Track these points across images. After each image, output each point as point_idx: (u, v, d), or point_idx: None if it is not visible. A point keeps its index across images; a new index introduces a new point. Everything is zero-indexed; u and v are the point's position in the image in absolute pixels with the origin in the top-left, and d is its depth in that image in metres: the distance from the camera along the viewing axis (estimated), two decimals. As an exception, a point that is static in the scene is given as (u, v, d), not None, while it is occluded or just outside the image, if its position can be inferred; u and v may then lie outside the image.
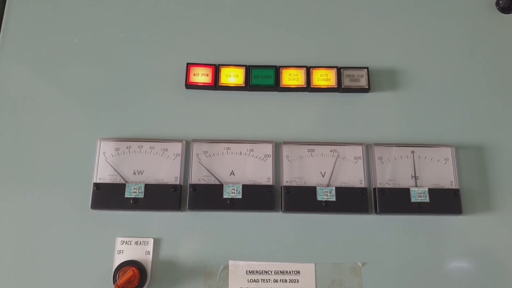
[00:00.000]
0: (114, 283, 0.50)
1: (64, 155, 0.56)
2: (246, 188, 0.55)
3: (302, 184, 0.56)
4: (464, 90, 0.62)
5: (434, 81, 0.62)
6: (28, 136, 0.57)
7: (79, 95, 0.59)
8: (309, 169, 0.57)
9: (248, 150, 0.57)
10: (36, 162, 0.56)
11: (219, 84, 0.59)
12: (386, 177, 0.57)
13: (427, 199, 0.56)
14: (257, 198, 0.55)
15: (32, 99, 0.59)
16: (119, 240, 0.53)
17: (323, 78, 0.60)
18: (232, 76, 0.59)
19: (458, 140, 0.59)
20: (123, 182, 0.54)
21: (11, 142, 0.57)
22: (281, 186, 0.56)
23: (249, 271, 0.53)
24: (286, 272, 0.54)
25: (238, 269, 0.53)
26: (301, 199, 0.55)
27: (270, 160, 0.57)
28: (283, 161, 0.57)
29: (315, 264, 0.54)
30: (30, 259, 0.53)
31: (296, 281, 0.53)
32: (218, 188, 0.55)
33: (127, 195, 0.53)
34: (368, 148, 0.58)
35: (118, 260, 0.52)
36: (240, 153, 0.57)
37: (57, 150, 0.57)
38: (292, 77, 0.60)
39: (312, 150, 0.58)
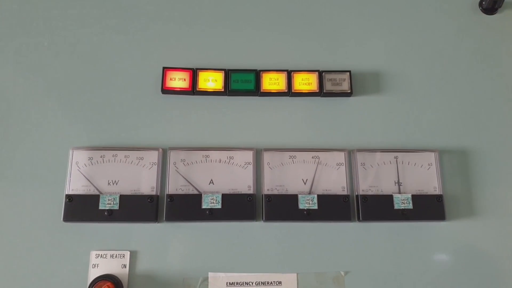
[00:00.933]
0: (88, 300, 0.48)
1: (36, 164, 0.54)
2: (226, 197, 0.54)
3: (283, 192, 0.55)
4: (448, 93, 0.61)
5: (417, 85, 0.61)
6: (-3, 146, 0.55)
7: (50, 101, 0.57)
8: (290, 176, 0.56)
9: (228, 157, 0.55)
10: (7, 172, 0.54)
11: (197, 89, 0.57)
12: (369, 184, 0.56)
13: (410, 206, 0.55)
14: (237, 207, 0.54)
15: (2, 108, 0.56)
16: (93, 253, 0.51)
17: (305, 82, 0.59)
18: (211, 81, 0.57)
19: (442, 145, 0.59)
20: (97, 193, 0.52)
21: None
22: (262, 195, 0.54)
23: (230, 283, 0.52)
24: (268, 283, 0.53)
25: (218, 281, 0.52)
26: (283, 208, 0.54)
27: (250, 168, 0.55)
28: (264, 169, 0.55)
29: (297, 274, 0.53)
30: (1, 276, 0.50)
31: (277, 292, 0.52)
32: (196, 198, 0.53)
33: (101, 206, 0.51)
34: (350, 154, 0.57)
35: (93, 274, 0.50)
36: (220, 161, 0.55)
37: (28, 159, 0.54)
38: (272, 82, 0.58)
39: (293, 157, 0.56)
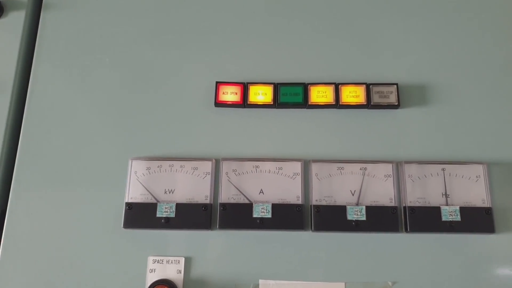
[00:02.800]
0: (147, 303, 0.50)
1: (98, 174, 0.57)
2: (275, 207, 0.55)
3: (331, 203, 0.56)
4: (495, 105, 0.61)
5: (465, 97, 0.61)
6: (62, 156, 0.58)
7: (111, 115, 0.60)
8: (338, 187, 0.56)
9: (277, 168, 0.57)
10: (70, 182, 0.57)
11: (248, 102, 0.59)
12: (416, 195, 0.56)
13: (458, 218, 0.55)
14: (286, 217, 0.55)
15: (65, 120, 0.60)
16: (151, 259, 0.53)
17: (352, 95, 0.59)
18: (261, 94, 0.59)
19: (490, 157, 0.58)
20: (155, 201, 0.55)
21: (45, 162, 0.58)
22: (311, 205, 0.56)
23: (280, 291, 0.53)
24: (317, 292, 0.54)
25: (268, 288, 0.53)
26: (331, 218, 0.55)
27: (299, 178, 0.57)
28: (312, 180, 0.56)
29: (345, 283, 0.54)
30: (64, 279, 0.53)
31: (327, 301, 0.53)
32: (247, 207, 0.55)
33: (158, 214, 0.54)
34: (398, 166, 0.58)
35: (150, 279, 0.52)
36: (269, 171, 0.57)
37: (91, 169, 0.57)
38: (320, 94, 0.59)
39: (341, 168, 0.57)
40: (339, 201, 0.56)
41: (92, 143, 0.58)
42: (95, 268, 0.54)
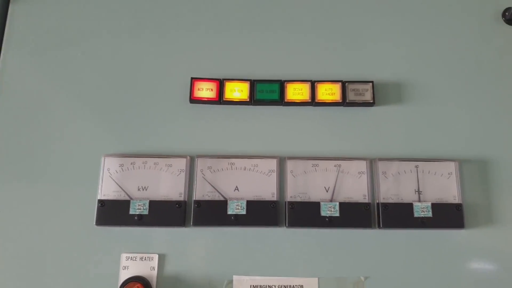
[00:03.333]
0: (119, 300, 0.50)
1: (69, 171, 0.56)
2: (250, 204, 0.55)
3: (306, 199, 0.56)
4: (469, 104, 0.62)
5: (439, 94, 0.62)
6: (33, 152, 0.57)
7: (84, 111, 0.59)
8: (313, 184, 0.57)
9: (253, 165, 0.57)
10: (42, 178, 0.56)
11: (224, 99, 0.59)
12: (389, 192, 0.57)
13: (430, 214, 0.56)
14: (261, 213, 0.55)
15: (36, 115, 0.58)
16: (124, 256, 0.53)
17: (328, 92, 0.60)
18: (237, 91, 0.59)
19: (462, 154, 0.59)
20: (128, 198, 0.54)
21: (16, 158, 0.57)
22: (285, 202, 0.56)
23: (253, 285, 0.54)
24: (290, 286, 0.54)
25: (242, 284, 0.54)
26: (305, 215, 0.56)
27: (274, 175, 0.57)
28: (288, 176, 0.57)
29: (318, 278, 0.54)
30: (35, 275, 0.53)
31: (300, 296, 0.54)
32: (222, 204, 0.55)
33: (131, 211, 0.54)
34: (372, 163, 0.58)
35: (123, 276, 0.52)
36: (245, 169, 0.57)
37: (63, 166, 0.56)
38: (297, 92, 0.59)
39: (316, 165, 0.58)
40: (313, 198, 0.56)
41: (64, 139, 0.57)
42: (67, 266, 0.53)
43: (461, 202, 0.57)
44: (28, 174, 0.56)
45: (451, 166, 0.59)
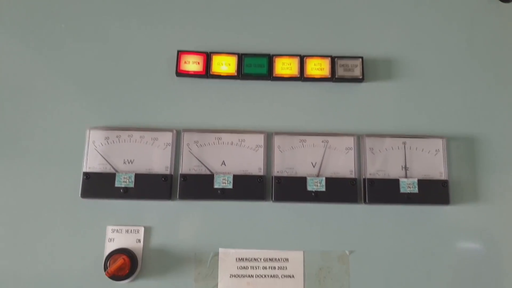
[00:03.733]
0: (105, 270, 0.51)
1: (55, 144, 0.56)
2: (237, 178, 0.55)
3: (292, 174, 0.56)
4: (459, 81, 0.62)
5: (429, 72, 0.62)
6: (18, 126, 0.56)
7: (69, 84, 0.58)
8: (300, 159, 0.57)
9: (240, 140, 0.57)
10: (26, 151, 0.56)
11: (211, 73, 0.58)
12: (376, 168, 0.58)
13: (416, 190, 0.57)
14: (248, 188, 0.55)
15: (21, 89, 0.57)
16: (109, 228, 0.53)
17: (317, 67, 0.59)
18: (224, 65, 0.58)
19: (450, 132, 0.60)
20: (113, 171, 0.54)
21: (1, 133, 0.56)
22: (272, 176, 0.56)
23: (239, 258, 0.55)
24: (275, 259, 0.55)
25: (228, 256, 0.54)
26: (291, 189, 0.56)
27: (261, 151, 0.57)
28: (275, 152, 0.57)
29: (303, 252, 0.55)
30: (21, 247, 0.53)
31: (285, 268, 0.55)
32: (209, 178, 0.55)
33: (117, 184, 0.53)
34: (359, 139, 0.58)
35: (109, 248, 0.52)
36: (232, 143, 0.57)
37: (48, 139, 0.56)
38: (285, 66, 0.59)
39: (303, 141, 0.58)
40: (300, 173, 0.57)
41: (49, 113, 0.57)
42: (53, 238, 0.53)
43: (447, 179, 0.57)
44: (13, 148, 0.56)
45: (439, 143, 0.59)
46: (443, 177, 0.58)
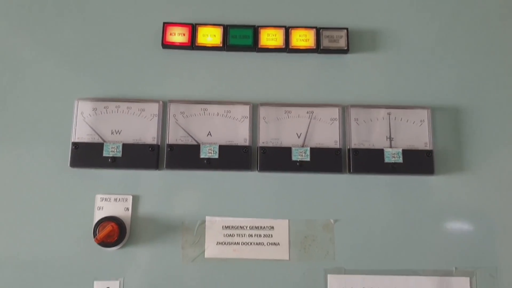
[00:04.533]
0: (94, 237, 0.52)
1: (43, 115, 0.57)
2: (222, 148, 0.56)
3: (278, 144, 0.57)
4: (443, 52, 0.62)
5: (414, 43, 0.62)
6: (7, 97, 0.57)
7: (57, 56, 0.58)
8: (285, 130, 0.58)
9: (225, 111, 0.58)
10: (15, 122, 0.57)
11: (196, 44, 0.58)
12: (361, 138, 0.58)
13: (400, 160, 0.58)
14: (233, 158, 0.56)
15: (9, 61, 0.58)
16: (98, 197, 0.55)
17: (302, 38, 0.59)
18: (210, 36, 0.58)
19: (435, 102, 0.60)
20: (101, 141, 0.55)
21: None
22: (258, 147, 0.57)
23: (225, 226, 0.56)
24: (261, 227, 0.56)
25: (214, 224, 0.56)
26: (277, 159, 0.57)
27: (247, 121, 0.58)
28: (260, 123, 0.58)
29: (288, 220, 0.56)
30: (11, 216, 0.54)
31: (270, 236, 0.56)
32: (195, 148, 0.56)
33: (105, 154, 0.55)
34: (344, 110, 0.59)
35: (98, 216, 0.54)
36: (217, 114, 0.58)
37: (36, 110, 0.57)
38: (270, 37, 0.59)
39: (289, 112, 0.58)
40: (285, 143, 0.57)
41: (38, 84, 0.58)
42: (43, 207, 0.55)
43: (432, 149, 0.58)
44: (2, 121, 0.56)
45: (424, 114, 0.59)
46: (428, 147, 0.58)
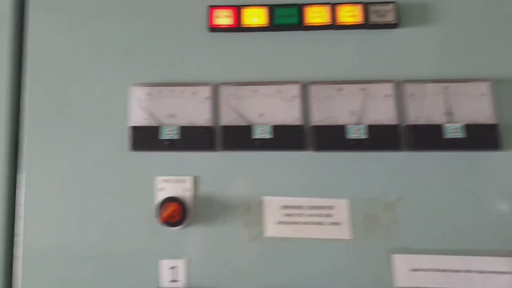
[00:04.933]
0: (157, 217, 0.52)
1: (101, 102, 0.58)
2: (275, 128, 0.56)
3: (331, 123, 0.56)
4: (501, 20, 0.59)
5: (467, 13, 0.59)
6: (66, 88, 0.59)
7: (108, 44, 0.60)
8: (338, 108, 0.56)
9: (276, 91, 0.57)
10: (75, 111, 0.58)
11: (242, 25, 0.59)
12: (417, 114, 0.56)
13: (461, 135, 0.54)
14: (287, 138, 0.56)
15: (65, 53, 0.60)
16: (159, 178, 0.55)
17: (349, 14, 0.59)
18: (255, 17, 0.59)
19: (496, 74, 0.57)
20: (158, 125, 0.56)
21: (50, 94, 0.59)
22: (311, 126, 0.56)
23: (284, 206, 0.55)
24: (320, 207, 0.54)
25: (273, 204, 0.55)
26: (331, 138, 0.55)
27: (298, 101, 0.57)
28: (312, 101, 0.57)
29: (348, 199, 0.54)
30: (75, 201, 0.56)
31: (330, 215, 0.54)
32: (247, 130, 0.56)
33: (162, 137, 0.55)
34: (398, 86, 0.57)
35: (159, 197, 0.54)
36: (268, 95, 0.57)
37: (94, 98, 0.58)
38: (316, 15, 0.59)
39: (340, 89, 0.57)
40: (339, 121, 0.56)
41: (94, 74, 0.59)
42: (106, 190, 0.56)
43: (496, 123, 0.54)
44: (64, 111, 0.59)
45: (484, 86, 0.56)
46: (492, 121, 0.55)
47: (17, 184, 0.57)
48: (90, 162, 0.57)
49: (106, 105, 0.58)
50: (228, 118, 0.57)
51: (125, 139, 0.56)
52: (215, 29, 0.59)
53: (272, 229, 0.54)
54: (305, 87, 0.57)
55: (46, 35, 0.61)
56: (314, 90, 0.57)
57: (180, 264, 0.53)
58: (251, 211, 0.54)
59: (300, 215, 0.54)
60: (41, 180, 0.56)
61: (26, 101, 0.59)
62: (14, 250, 0.56)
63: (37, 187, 0.56)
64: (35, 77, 0.60)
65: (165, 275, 0.53)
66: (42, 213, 0.56)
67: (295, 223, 0.54)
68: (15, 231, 0.56)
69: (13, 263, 0.56)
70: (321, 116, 0.56)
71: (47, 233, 0.55)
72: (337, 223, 0.54)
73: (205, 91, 0.57)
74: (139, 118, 0.56)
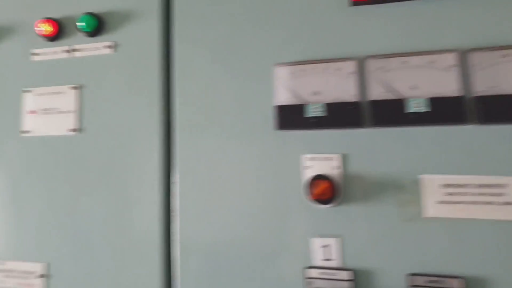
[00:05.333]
0: (307, 195, 0.52)
1: (245, 85, 0.59)
2: (432, 101, 0.51)
3: (499, 92, 0.49)
4: None
5: None
6: (211, 76, 0.61)
7: (249, 26, 0.60)
8: (506, 76, 0.50)
9: (428, 62, 0.53)
10: (220, 98, 0.60)
11: (386, -4, 0.55)
12: None
13: None
14: (445, 110, 0.51)
15: (209, 39, 0.62)
16: (305, 157, 0.55)
17: (517, -32, 0.51)
18: (402, -15, 0.54)
19: None
20: (302, 103, 0.56)
21: (197, 82, 0.62)
22: (473, 97, 0.50)
23: (445, 184, 0.50)
24: (489, 185, 0.48)
25: (432, 182, 0.50)
26: (501, 109, 0.49)
27: (455, 70, 0.51)
28: (473, 70, 0.51)
29: (523, 178, 0.47)
30: (226, 183, 0.57)
31: (502, 194, 0.48)
32: (399, 103, 0.52)
33: (308, 114, 0.55)
34: None
35: (307, 175, 0.53)
36: (419, 66, 0.53)
37: (238, 82, 0.59)
38: (476, -25, 0.52)
39: (507, 55, 0.50)
40: (507, 91, 0.49)
41: (235, 56, 0.60)
42: (253, 170, 0.57)
43: None
44: (209, 98, 0.61)
45: None
46: None
47: (170, 179, 0.61)
48: (238, 145, 0.58)
49: (250, 87, 0.59)
50: (376, 93, 0.54)
51: (271, 119, 0.57)
52: (357, 2, 0.57)
53: (432, 209, 0.49)
54: (463, 55, 0.52)
55: (191, 26, 0.63)
56: (475, 58, 0.51)
57: (333, 243, 0.52)
58: (407, 189, 0.51)
59: (465, 193, 0.49)
60: (193, 168, 0.58)
61: (176, 95, 0.62)
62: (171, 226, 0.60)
63: (189, 175, 0.58)
64: (183, 69, 0.62)
65: (318, 254, 0.52)
66: (196, 195, 0.58)
67: (460, 202, 0.49)
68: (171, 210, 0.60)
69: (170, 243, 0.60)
70: (484, 85, 0.50)
71: (202, 214, 0.57)
72: (510, 203, 0.47)
73: (350, 66, 0.55)
74: (283, 97, 0.56)
